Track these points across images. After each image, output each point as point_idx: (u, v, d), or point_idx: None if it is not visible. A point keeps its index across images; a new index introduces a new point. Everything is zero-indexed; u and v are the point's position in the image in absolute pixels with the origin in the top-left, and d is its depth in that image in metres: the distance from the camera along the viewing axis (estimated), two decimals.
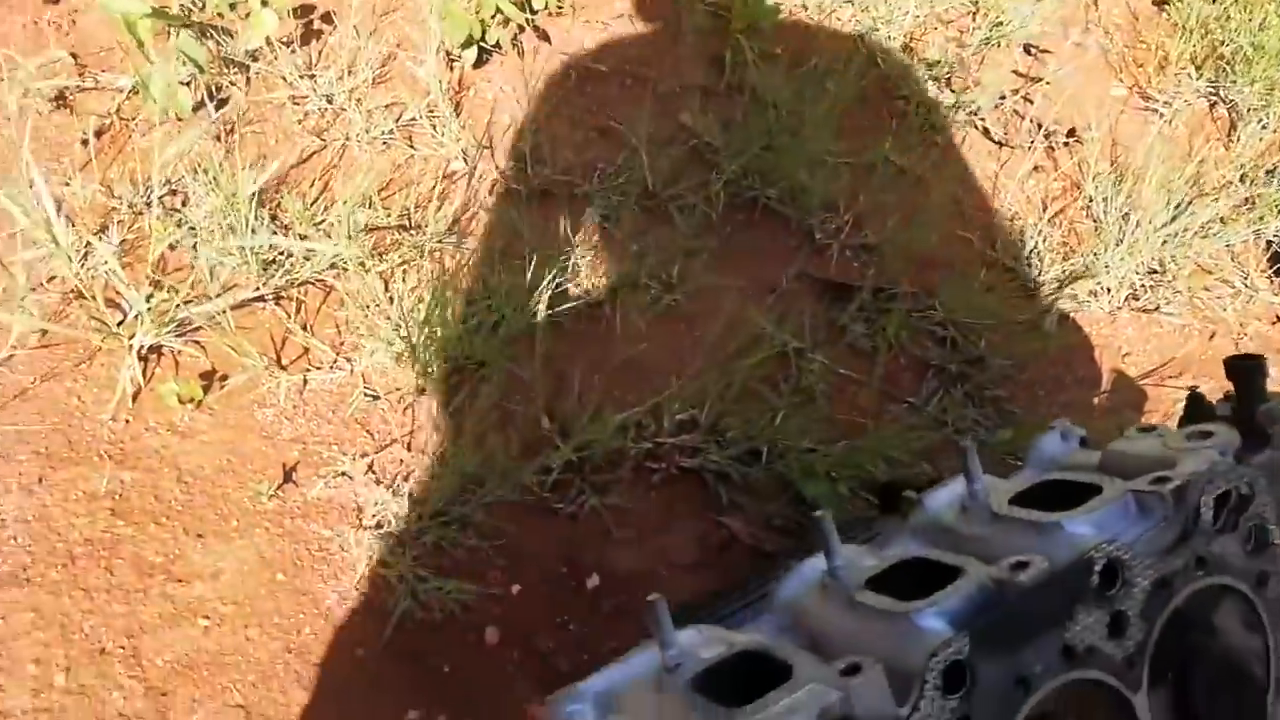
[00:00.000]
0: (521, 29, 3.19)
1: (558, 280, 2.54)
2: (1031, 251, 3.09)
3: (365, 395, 2.39)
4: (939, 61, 3.35)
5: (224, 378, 2.35)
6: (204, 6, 2.92)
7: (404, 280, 2.46)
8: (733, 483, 2.38)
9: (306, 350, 2.44)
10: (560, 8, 3.29)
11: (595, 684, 0.95)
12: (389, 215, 2.66)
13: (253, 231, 2.50)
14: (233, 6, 2.96)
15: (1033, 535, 1.02)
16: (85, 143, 2.71)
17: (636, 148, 2.99)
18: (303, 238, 2.51)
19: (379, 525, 2.17)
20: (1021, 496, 1.14)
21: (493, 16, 3.02)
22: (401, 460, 2.30)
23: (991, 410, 2.69)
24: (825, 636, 1.03)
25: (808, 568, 1.15)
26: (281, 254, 2.51)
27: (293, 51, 2.97)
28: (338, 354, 2.44)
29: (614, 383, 2.51)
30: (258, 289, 2.49)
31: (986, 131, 3.36)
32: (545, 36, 3.26)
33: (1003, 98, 3.39)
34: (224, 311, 2.38)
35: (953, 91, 3.34)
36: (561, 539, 2.23)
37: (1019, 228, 3.19)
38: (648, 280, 2.70)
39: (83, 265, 2.37)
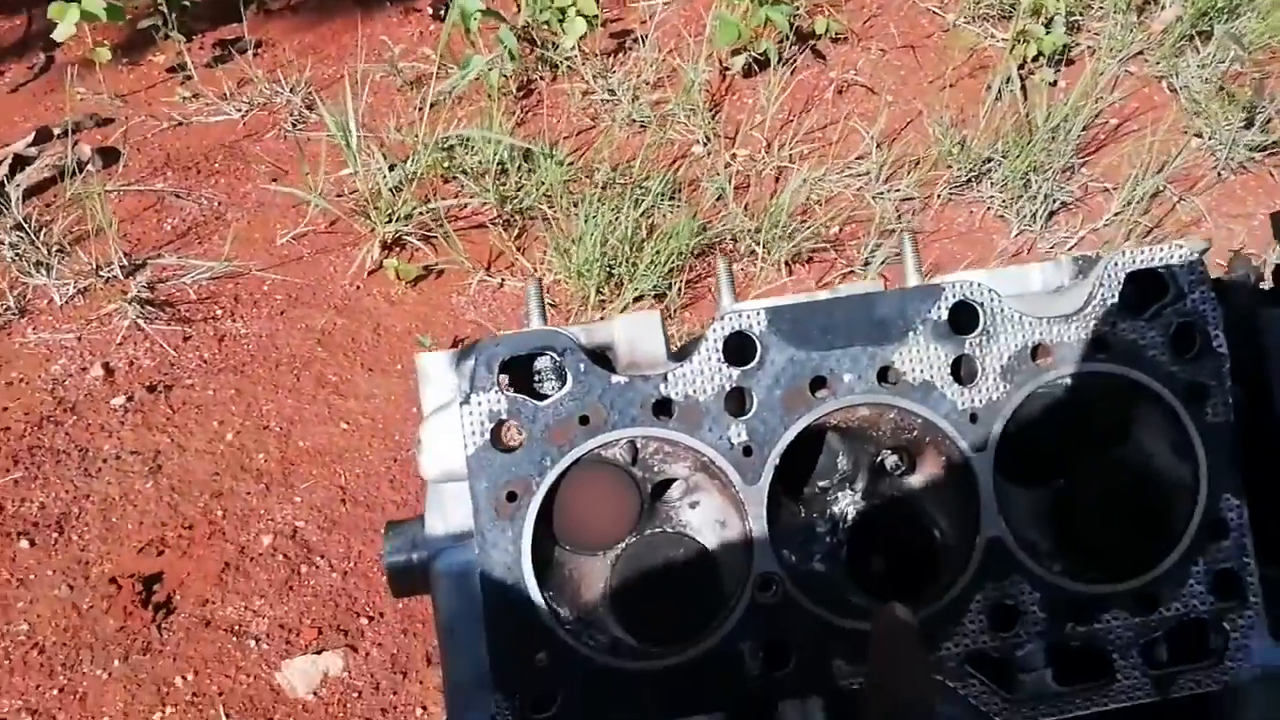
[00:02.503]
0: (798, 48, 3.45)
1: (727, 226, 2.69)
2: None
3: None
4: None
5: (441, 271, 2.78)
6: (536, 16, 3.54)
7: (604, 218, 2.75)
8: None
9: (513, 264, 2.81)
10: (843, 35, 3.50)
11: None
12: (616, 174, 3.00)
13: (504, 171, 2.97)
14: (561, 20, 3.55)
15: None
16: (421, 109, 3.39)
17: (869, 150, 3.08)
18: (535, 173, 2.92)
19: None
20: None
21: (763, 26, 3.31)
22: None
23: None
24: None
25: None
26: (517, 189, 2.94)
27: (599, 58, 3.49)
28: (536, 269, 2.79)
29: None
30: (495, 217, 2.94)
31: None
32: (820, 56, 3.48)
33: None
34: (455, 224, 2.84)
35: None
36: None
37: None
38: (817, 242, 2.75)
39: (382, 181, 2.96)
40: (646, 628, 0.71)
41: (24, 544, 2.14)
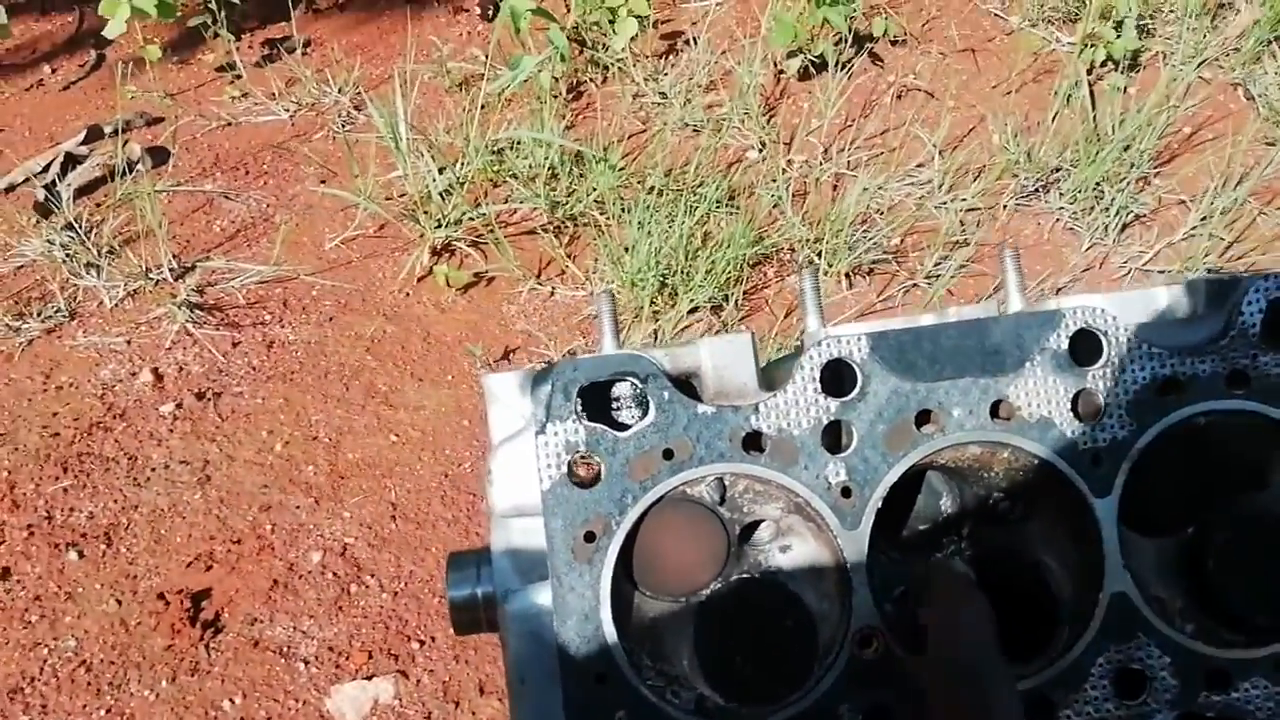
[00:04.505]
0: (856, 50, 3.35)
1: (785, 235, 2.61)
2: None
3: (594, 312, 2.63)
4: None
5: (491, 279, 2.73)
6: (586, 16, 3.47)
7: (657, 225, 2.69)
8: None
9: (564, 271, 2.75)
10: (902, 37, 3.40)
11: None
12: (669, 180, 2.92)
13: (554, 176, 2.91)
14: (612, 20, 3.48)
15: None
16: (470, 111, 3.34)
17: (930, 157, 2.98)
18: (586, 178, 2.85)
19: None
20: None
21: (820, 27, 3.22)
22: None
23: None
24: None
25: None
26: (568, 194, 2.88)
27: (650, 60, 3.42)
28: (587, 278, 2.72)
29: None
30: (545, 223, 2.88)
31: None
32: (878, 59, 3.38)
33: None
34: (505, 230, 2.78)
35: None
36: None
37: None
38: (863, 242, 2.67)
39: (431, 184, 2.92)
40: (735, 684, 0.66)
41: (72, 555, 2.12)
